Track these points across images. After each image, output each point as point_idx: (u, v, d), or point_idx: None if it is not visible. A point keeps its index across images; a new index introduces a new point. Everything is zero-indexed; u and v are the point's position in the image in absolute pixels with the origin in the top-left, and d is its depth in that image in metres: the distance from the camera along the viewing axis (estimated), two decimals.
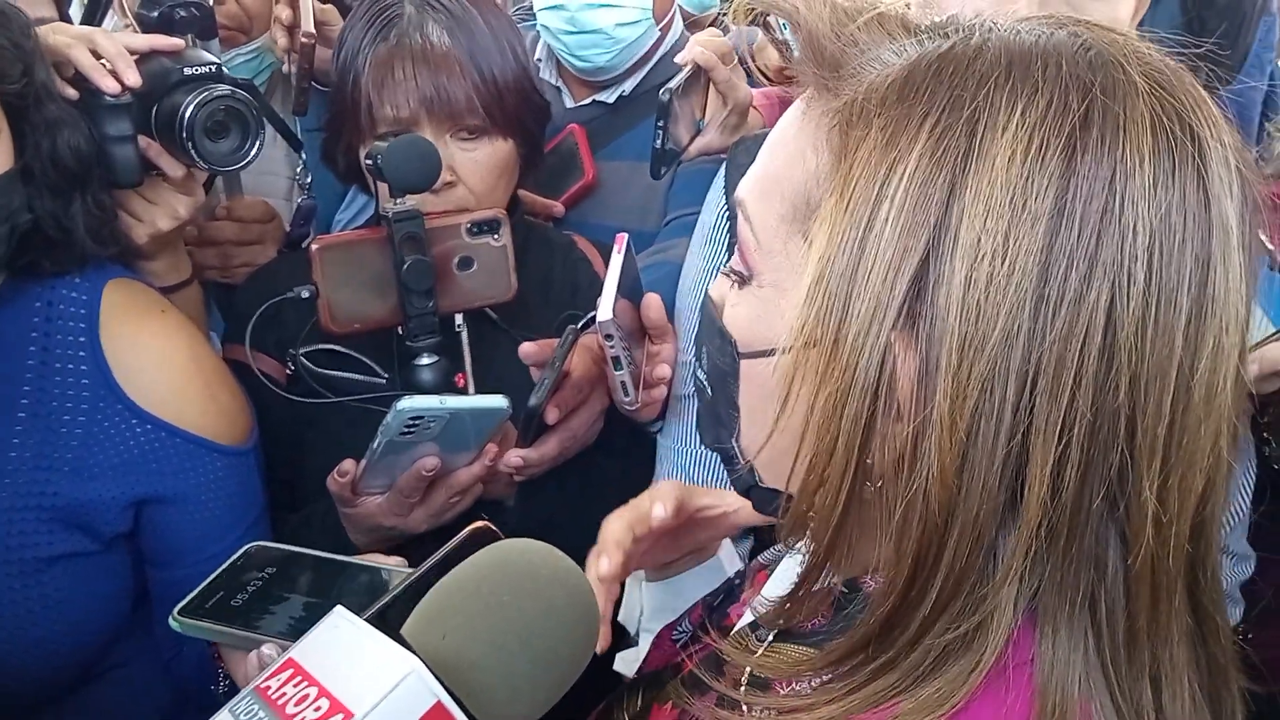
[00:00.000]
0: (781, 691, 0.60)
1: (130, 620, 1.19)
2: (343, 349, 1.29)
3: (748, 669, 0.63)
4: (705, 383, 0.67)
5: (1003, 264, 0.50)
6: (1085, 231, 0.50)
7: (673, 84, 1.33)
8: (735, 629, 0.74)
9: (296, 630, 0.91)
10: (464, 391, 1.27)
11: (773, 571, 0.78)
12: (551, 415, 1.18)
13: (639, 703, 0.78)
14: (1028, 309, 0.50)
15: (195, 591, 0.96)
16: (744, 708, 0.60)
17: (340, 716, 0.50)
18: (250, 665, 0.91)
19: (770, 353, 0.58)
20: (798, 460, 0.56)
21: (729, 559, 0.99)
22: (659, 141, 1.35)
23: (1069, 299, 0.50)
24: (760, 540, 1.18)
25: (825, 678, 0.57)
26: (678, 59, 1.40)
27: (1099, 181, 0.50)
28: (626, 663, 0.95)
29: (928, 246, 0.51)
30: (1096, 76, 0.52)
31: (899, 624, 0.54)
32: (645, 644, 0.97)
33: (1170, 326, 0.50)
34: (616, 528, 0.92)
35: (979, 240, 0.50)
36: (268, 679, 0.54)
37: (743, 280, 0.62)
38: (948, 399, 0.50)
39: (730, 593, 0.85)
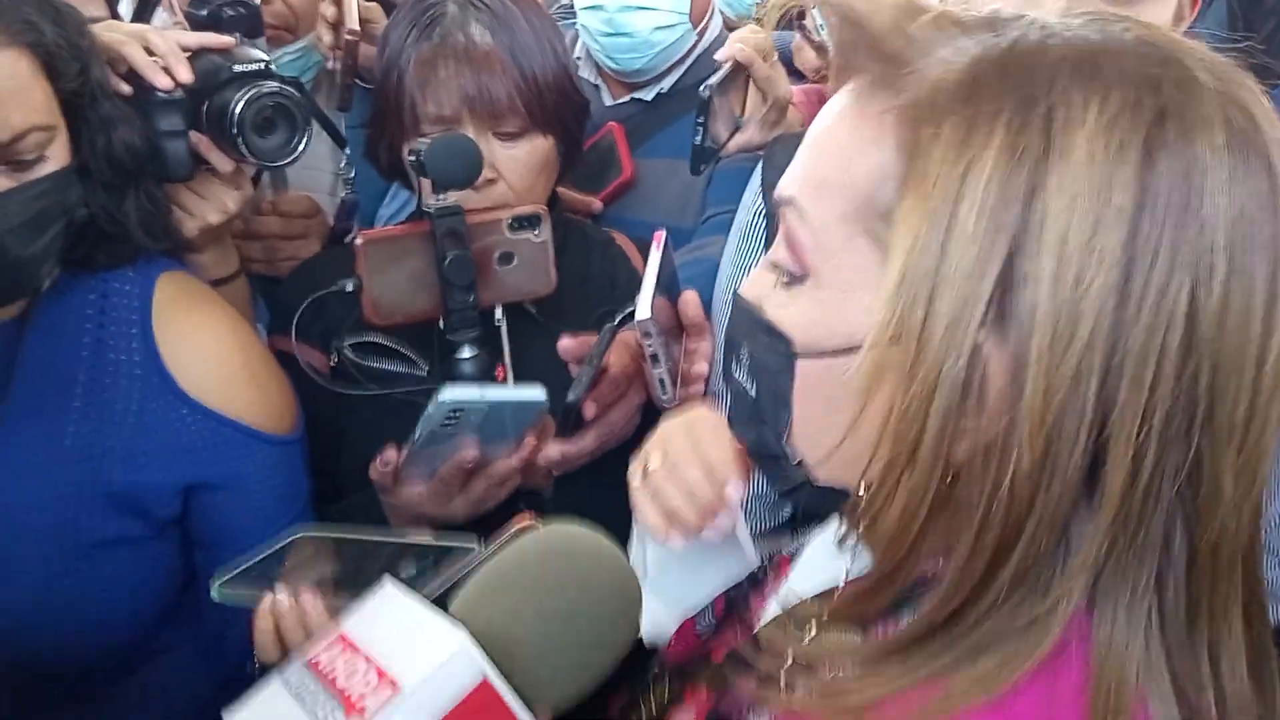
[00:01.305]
0: (826, 673, 0.60)
1: (179, 603, 1.21)
2: (385, 341, 1.31)
3: (790, 654, 0.63)
4: (746, 382, 0.67)
5: (1090, 259, 0.50)
6: (1166, 226, 0.51)
7: (713, 80, 1.34)
8: (772, 618, 0.75)
9: (327, 586, 0.93)
10: (503, 383, 1.29)
11: (796, 561, 0.78)
12: (589, 410, 1.19)
13: (667, 692, 0.79)
14: (1113, 303, 0.50)
15: (240, 566, 0.99)
16: (789, 688, 0.60)
17: (389, 691, 0.52)
18: (263, 607, 0.93)
19: (838, 352, 0.58)
20: (874, 460, 0.56)
21: (745, 536, 0.97)
22: (699, 138, 1.36)
23: (1153, 292, 0.50)
24: (794, 518, 1.19)
25: (876, 659, 0.58)
26: (717, 55, 1.41)
27: (1177, 176, 0.51)
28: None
29: (1012, 244, 0.51)
30: (1164, 73, 0.52)
31: (965, 611, 0.55)
32: (646, 600, 0.97)
33: (1247, 315, 0.51)
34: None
35: (1065, 236, 0.50)
36: (319, 653, 0.56)
37: (793, 279, 0.61)
38: (1038, 395, 0.51)
39: (754, 583, 0.85)
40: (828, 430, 0.59)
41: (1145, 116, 0.51)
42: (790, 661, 0.62)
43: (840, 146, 0.60)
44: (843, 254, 0.59)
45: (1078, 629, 0.54)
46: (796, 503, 0.66)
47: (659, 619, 0.94)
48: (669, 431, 0.96)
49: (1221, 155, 0.51)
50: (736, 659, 0.68)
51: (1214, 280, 0.51)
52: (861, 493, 0.59)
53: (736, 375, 0.67)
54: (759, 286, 0.65)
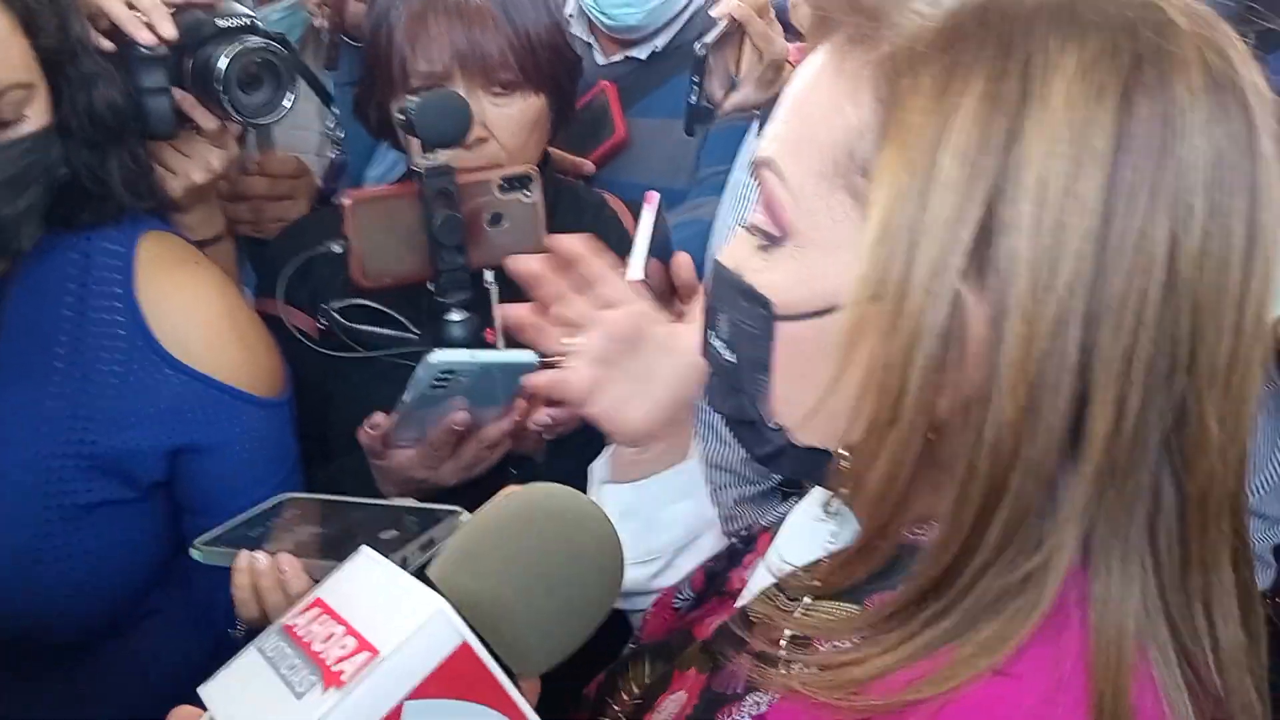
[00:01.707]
0: (822, 648, 0.59)
1: (167, 568, 1.21)
2: (374, 304, 1.30)
3: (786, 629, 0.62)
4: (725, 351, 0.66)
5: (1068, 205, 0.50)
6: (1145, 168, 0.50)
7: (708, 38, 1.32)
8: (749, 591, 0.74)
9: (307, 549, 0.93)
10: (494, 347, 1.27)
11: (776, 533, 0.77)
12: None
13: (647, 671, 0.77)
14: (1093, 248, 0.50)
15: (222, 527, 0.99)
16: (787, 665, 0.59)
17: (366, 654, 0.51)
18: (239, 564, 0.93)
19: (819, 313, 0.58)
20: (856, 419, 0.55)
21: (698, 462, 0.96)
22: (694, 97, 1.34)
23: (1132, 235, 0.50)
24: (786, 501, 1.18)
25: (873, 631, 0.57)
26: (713, 12, 1.39)
27: (1155, 119, 0.51)
28: None
29: (991, 192, 0.51)
30: (1140, 16, 0.52)
31: (957, 571, 0.54)
32: None
33: (1226, 256, 0.51)
34: None
35: (1044, 182, 0.50)
36: (295, 617, 0.55)
37: (772, 241, 0.61)
38: (1019, 342, 0.51)
39: (733, 556, 0.84)
40: (809, 391, 0.58)
41: (1123, 60, 0.51)
42: (786, 637, 0.61)
43: (818, 104, 0.59)
44: (822, 213, 0.58)
45: (1075, 587, 0.54)
46: (778, 470, 0.65)
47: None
48: None
49: (1199, 98, 0.51)
50: (727, 636, 0.68)
51: (1193, 222, 0.51)
52: (844, 454, 0.58)
53: (715, 345, 0.67)
54: (738, 253, 0.64)
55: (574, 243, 0.97)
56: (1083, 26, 0.52)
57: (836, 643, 0.59)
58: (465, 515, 0.87)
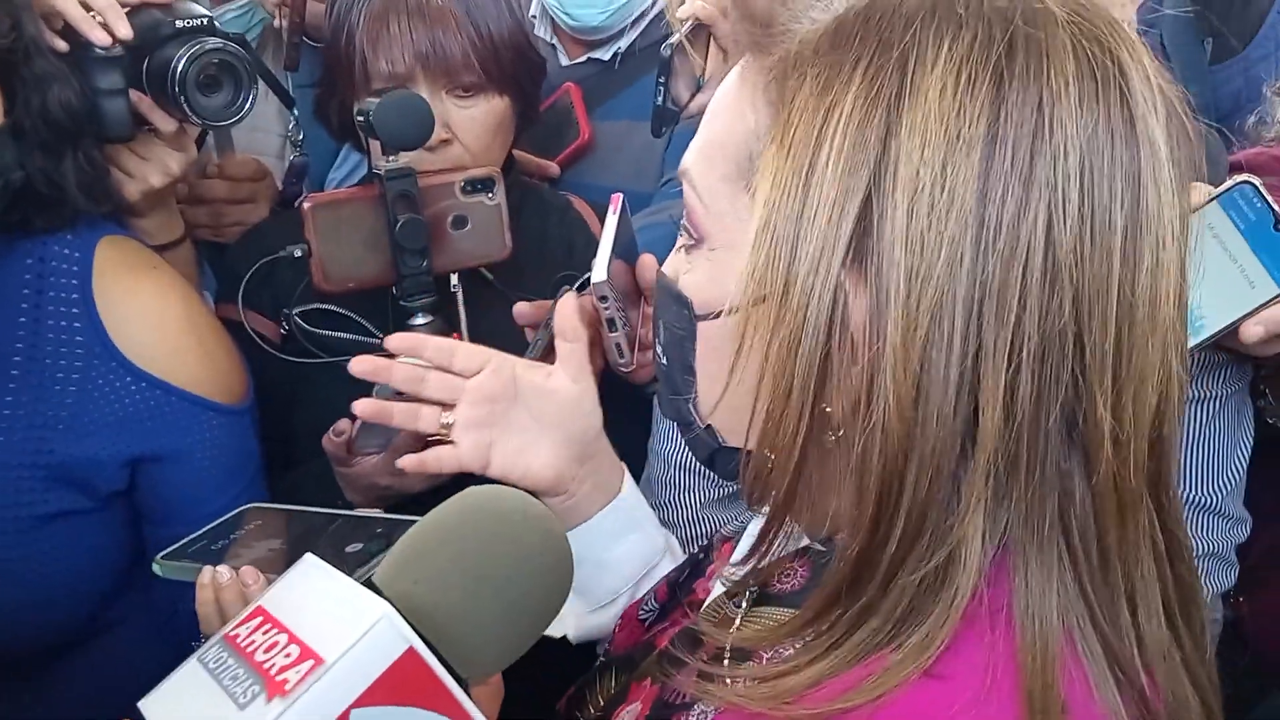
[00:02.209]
0: (764, 658, 0.60)
1: (128, 578, 1.19)
2: (337, 308, 1.29)
3: (728, 642, 0.63)
4: (662, 356, 0.68)
5: (942, 193, 0.51)
6: (1018, 155, 0.51)
7: (674, 39, 1.32)
8: (710, 599, 0.74)
9: (272, 564, 0.92)
10: None
11: (738, 543, 0.77)
12: None
13: (613, 684, 0.78)
14: (969, 235, 0.51)
15: (182, 541, 0.97)
16: (727, 680, 0.60)
17: (310, 663, 0.50)
18: (202, 580, 0.93)
19: (728, 312, 0.59)
20: (755, 412, 0.56)
21: (634, 497, 0.98)
22: (660, 99, 1.34)
23: (1007, 222, 0.51)
24: None
25: (808, 638, 0.57)
26: (679, 13, 1.39)
27: (1028, 106, 0.51)
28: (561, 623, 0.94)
29: (869, 184, 0.52)
30: (1016, 7, 0.53)
31: (868, 566, 0.54)
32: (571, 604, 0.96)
33: (1107, 243, 0.52)
34: None
35: (918, 172, 0.51)
36: (236, 627, 0.54)
37: (695, 244, 0.63)
38: (899, 330, 0.51)
39: (695, 566, 0.84)
40: (721, 387, 0.60)
41: (995, 50, 0.52)
42: (729, 648, 0.62)
43: (724, 112, 0.62)
44: (729, 215, 0.60)
45: (999, 585, 0.54)
46: (716, 471, 0.66)
47: (576, 610, 0.94)
48: None
49: (1072, 85, 0.52)
50: (677, 649, 0.68)
51: (1068, 206, 0.51)
52: (748, 448, 0.59)
53: (656, 351, 0.69)
54: (673, 260, 0.66)
55: (406, 341, 1.00)
56: (958, 21, 0.53)
57: (780, 648, 0.59)
58: None
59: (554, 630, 0.86)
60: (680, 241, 0.65)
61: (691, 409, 0.64)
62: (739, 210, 0.59)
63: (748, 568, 0.65)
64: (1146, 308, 0.52)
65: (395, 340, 1.00)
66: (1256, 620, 0.62)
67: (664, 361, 0.67)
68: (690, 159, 0.63)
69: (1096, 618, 0.54)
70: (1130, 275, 0.52)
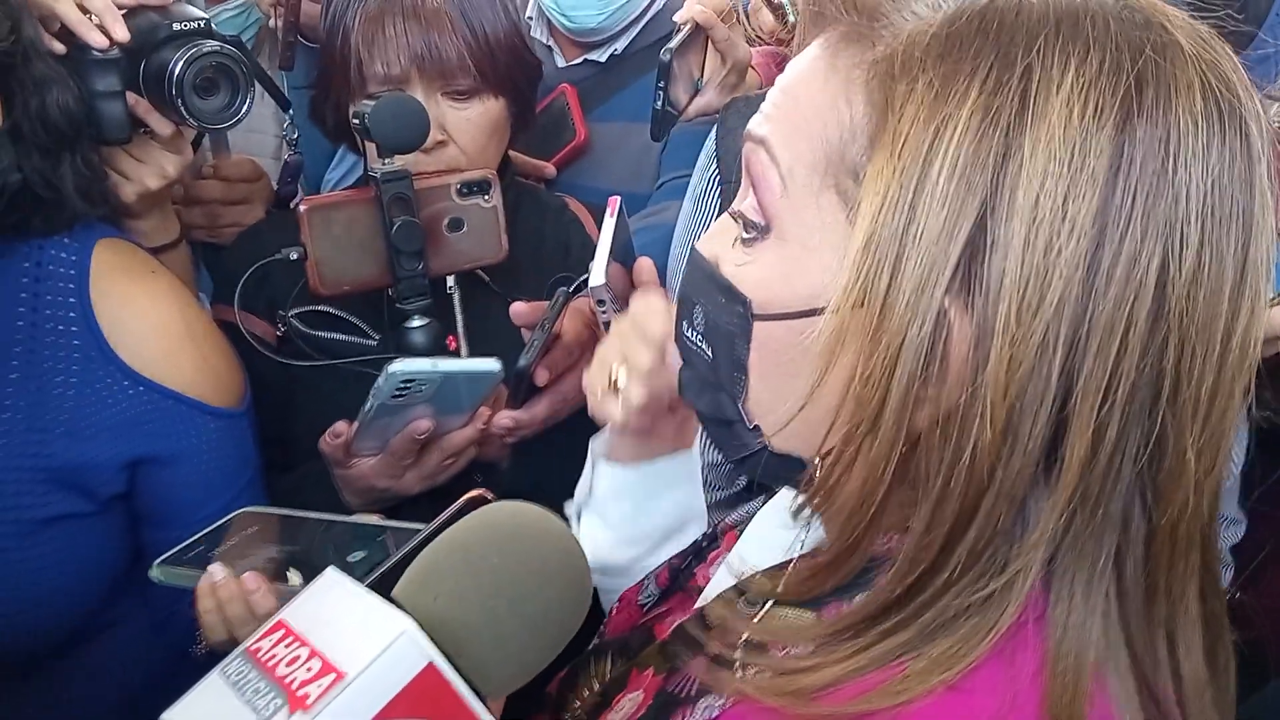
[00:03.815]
0: (780, 653, 0.59)
1: (126, 580, 1.19)
2: (333, 310, 1.29)
3: (744, 634, 0.62)
4: (701, 344, 0.64)
5: (1061, 225, 0.49)
6: (1140, 193, 0.49)
7: (673, 43, 1.32)
8: (710, 589, 0.74)
9: (274, 572, 0.92)
10: (456, 354, 1.27)
11: (743, 531, 0.77)
12: (542, 377, 1.18)
13: (608, 668, 0.77)
14: (1082, 272, 0.49)
15: (179, 546, 0.97)
16: (742, 669, 0.59)
17: (332, 677, 0.50)
18: (202, 584, 0.92)
19: (798, 314, 0.56)
20: (833, 429, 0.55)
21: (697, 446, 0.96)
22: (659, 102, 1.34)
23: (1123, 262, 0.49)
24: (750, 486, 1.18)
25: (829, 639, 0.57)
26: (676, 17, 1.39)
27: (1154, 142, 0.50)
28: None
29: (983, 207, 0.50)
30: (1145, 36, 0.51)
31: (921, 588, 0.54)
32: (583, 527, 0.95)
33: (1218, 288, 0.50)
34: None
35: (1037, 200, 0.49)
36: (258, 640, 0.54)
37: (756, 231, 0.59)
38: (1003, 364, 0.50)
39: (698, 554, 0.83)
40: (786, 396, 0.57)
41: (1124, 81, 0.50)
42: (743, 640, 0.61)
43: (812, 97, 0.58)
44: (809, 208, 0.57)
45: (1034, 608, 0.53)
46: (746, 472, 0.64)
47: (598, 541, 0.92)
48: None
49: (1199, 123, 0.50)
50: (684, 637, 0.67)
51: (1186, 251, 0.50)
52: (818, 463, 0.57)
53: (689, 336, 0.65)
54: (717, 242, 0.63)
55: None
56: (1085, 43, 0.51)
57: (792, 648, 0.58)
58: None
59: None
60: (730, 221, 0.61)
61: (740, 408, 0.62)
62: (822, 207, 0.56)
63: (807, 575, 0.61)
64: (1238, 355, 0.51)
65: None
66: (1251, 618, 0.63)
67: (707, 353, 0.64)
68: (768, 129, 0.59)
69: (1136, 653, 0.54)
70: (1232, 321, 0.51)
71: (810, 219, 0.57)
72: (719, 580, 0.75)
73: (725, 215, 0.63)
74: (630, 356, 0.89)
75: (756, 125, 0.60)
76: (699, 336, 0.64)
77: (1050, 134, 0.49)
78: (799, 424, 0.58)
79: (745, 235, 0.60)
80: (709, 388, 0.64)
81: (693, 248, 0.65)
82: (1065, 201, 0.49)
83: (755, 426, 0.61)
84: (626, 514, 0.92)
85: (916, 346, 0.51)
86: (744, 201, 0.60)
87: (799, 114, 0.58)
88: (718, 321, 0.62)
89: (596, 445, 0.97)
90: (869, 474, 0.54)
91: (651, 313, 0.89)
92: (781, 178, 0.58)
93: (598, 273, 1.10)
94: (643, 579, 0.87)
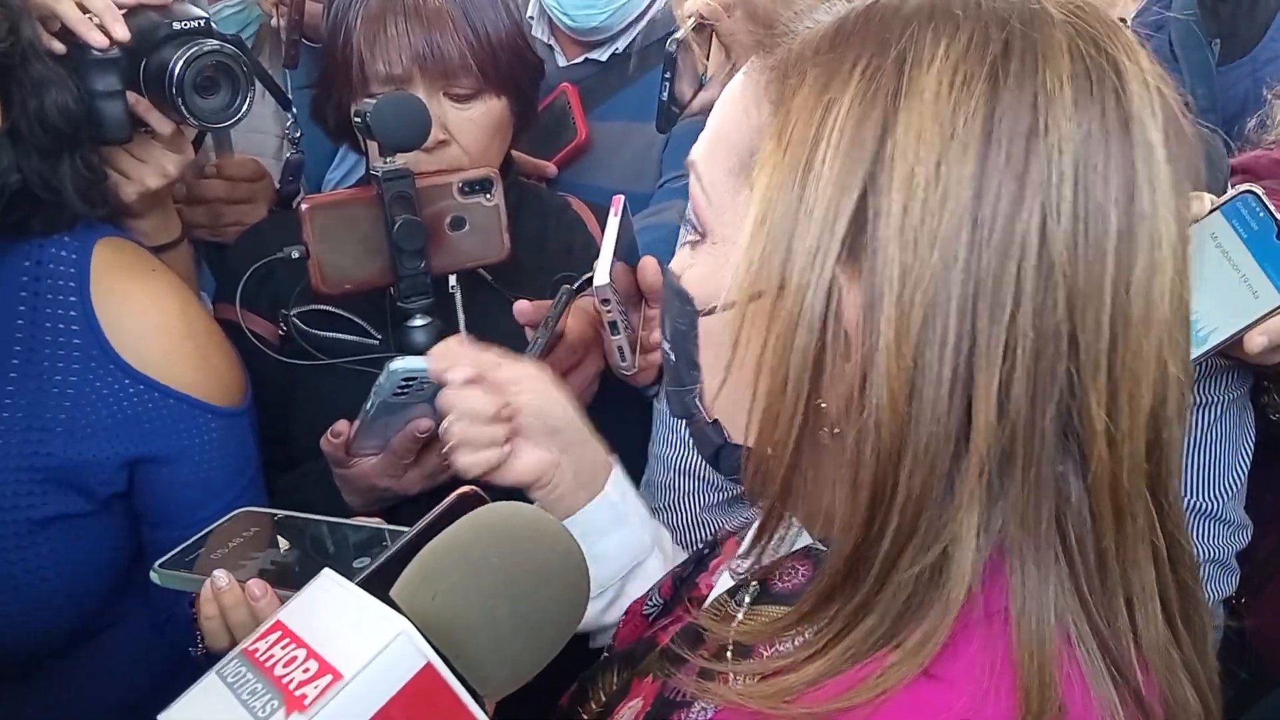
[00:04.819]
0: (764, 654, 0.60)
1: (126, 580, 1.19)
2: (335, 310, 1.28)
3: (730, 637, 0.63)
4: (669, 350, 0.68)
5: (937, 190, 0.51)
6: (1013, 154, 0.51)
7: (679, 35, 1.32)
8: (712, 596, 0.74)
9: (278, 579, 0.91)
10: None
11: (743, 538, 0.77)
12: None
13: (615, 680, 0.78)
14: (964, 233, 0.51)
15: (179, 548, 0.97)
16: (729, 676, 0.60)
17: (329, 678, 0.50)
18: (204, 591, 0.92)
19: (726, 307, 0.59)
20: (752, 409, 0.57)
21: (620, 492, 0.98)
22: (665, 94, 1.34)
23: (1001, 220, 0.51)
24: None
25: (806, 634, 0.58)
26: (683, 9, 1.38)
27: (1023, 105, 0.52)
28: None
29: (865, 181, 0.52)
30: (1013, 8, 0.54)
31: (862, 562, 0.55)
32: None
33: (1101, 242, 0.52)
34: None
35: (913, 170, 0.52)
36: (255, 641, 0.54)
37: (700, 238, 0.64)
38: (892, 327, 0.52)
39: (700, 562, 0.84)
40: (721, 382, 0.61)
41: (992, 49, 0.53)
42: (730, 644, 0.63)
43: (730, 109, 0.62)
44: (730, 210, 0.61)
45: (997, 585, 0.54)
46: (719, 468, 0.67)
47: None
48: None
49: (1066, 83, 0.52)
50: (678, 646, 0.68)
51: (1062, 204, 0.51)
52: (747, 444, 0.60)
53: (664, 346, 0.70)
54: (680, 254, 0.67)
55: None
56: (955, 21, 0.54)
57: (779, 647, 0.60)
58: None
59: None
60: (686, 237, 0.66)
61: (697, 403, 0.65)
62: (739, 206, 0.60)
63: (748, 562, 0.65)
64: (1141, 307, 0.53)
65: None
66: (1259, 623, 0.62)
67: (671, 357, 0.68)
68: (697, 152, 0.64)
69: (1093, 617, 0.54)
70: (1124, 275, 0.52)
71: (731, 219, 0.61)
72: (722, 587, 0.75)
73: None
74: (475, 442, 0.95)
75: (692, 151, 0.65)
76: (667, 345, 0.68)
77: (923, 106, 0.52)
78: (731, 408, 0.61)
79: (692, 240, 0.65)
80: (677, 392, 0.68)
81: (668, 266, 0.69)
82: (939, 167, 0.51)
83: (713, 420, 0.65)
84: None
85: (812, 321, 0.53)
86: (688, 215, 0.65)
87: (719, 128, 0.63)
88: (676, 323, 0.66)
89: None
90: (780, 445, 0.56)
91: (473, 395, 0.95)
92: (704, 190, 0.63)
93: (602, 273, 1.10)
94: (647, 590, 0.87)
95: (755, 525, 0.76)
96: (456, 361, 0.97)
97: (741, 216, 0.59)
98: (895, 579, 0.54)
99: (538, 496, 0.96)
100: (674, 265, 0.67)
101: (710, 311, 0.62)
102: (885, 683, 0.53)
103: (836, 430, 0.55)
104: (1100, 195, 0.52)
